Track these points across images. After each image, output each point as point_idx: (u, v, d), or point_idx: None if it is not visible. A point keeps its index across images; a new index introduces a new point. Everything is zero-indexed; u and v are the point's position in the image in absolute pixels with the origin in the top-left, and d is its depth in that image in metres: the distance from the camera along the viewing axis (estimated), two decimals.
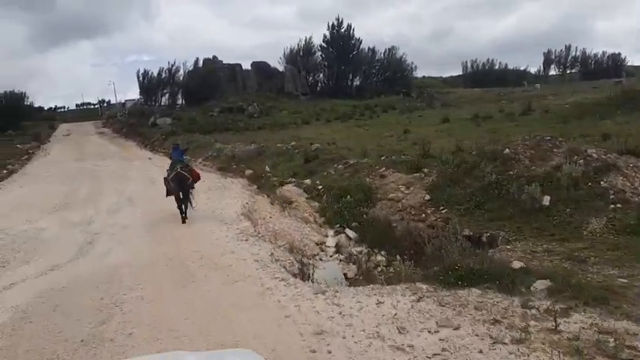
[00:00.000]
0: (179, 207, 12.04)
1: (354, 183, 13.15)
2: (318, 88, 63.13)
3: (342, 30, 62.48)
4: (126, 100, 80.00)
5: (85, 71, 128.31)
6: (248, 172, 19.01)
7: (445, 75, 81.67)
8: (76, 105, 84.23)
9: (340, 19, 62.62)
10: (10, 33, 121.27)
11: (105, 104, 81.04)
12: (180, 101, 60.22)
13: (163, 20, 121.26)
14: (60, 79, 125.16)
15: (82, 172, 24.97)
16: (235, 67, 62.09)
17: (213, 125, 43.66)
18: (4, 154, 39.37)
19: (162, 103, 58.96)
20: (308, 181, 14.56)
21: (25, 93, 54.29)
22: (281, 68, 63.22)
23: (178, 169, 12.02)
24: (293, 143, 21.20)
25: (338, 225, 11.68)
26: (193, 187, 12.77)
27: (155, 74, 58.77)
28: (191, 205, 12.54)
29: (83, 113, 76.70)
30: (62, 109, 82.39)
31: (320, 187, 14.14)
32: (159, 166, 25.69)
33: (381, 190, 12.06)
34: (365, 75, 63.76)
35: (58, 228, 12.66)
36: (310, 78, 63.42)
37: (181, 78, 59.46)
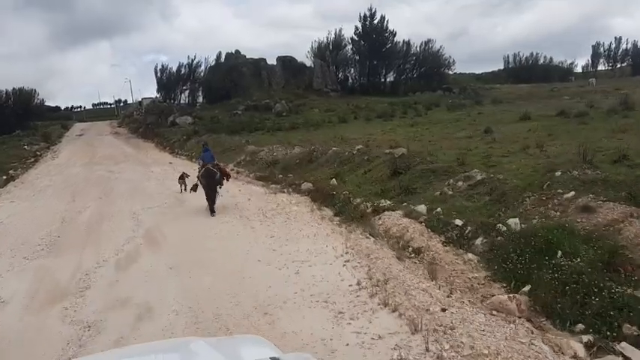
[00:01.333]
0: (209, 202, 12.52)
1: (540, 223, 7.36)
2: (349, 85, 58.20)
3: (375, 22, 57.58)
4: (142, 99, 76.13)
5: (104, 71, 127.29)
6: (305, 185, 14.22)
7: (477, 71, 76.07)
8: (93, 105, 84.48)
9: (373, 10, 57.78)
10: (31, 33, 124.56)
11: (121, 104, 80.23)
12: (200, 99, 55.83)
13: (182, 20, 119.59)
14: (79, 79, 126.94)
15: (90, 182, 20.52)
16: (260, 62, 57.59)
17: (239, 125, 39.07)
18: (9, 157, 35.47)
19: (181, 101, 54.62)
20: (422, 208, 9.46)
21: (35, 91, 50.42)
22: (309, 63, 58.53)
23: (208, 165, 12.64)
24: (359, 147, 16.27)
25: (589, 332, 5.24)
26: (222, 184, 13.23)
27: (174, 70, 54.46)
28: (219, 195, 12.99)
29: (100, 113, 75.65)
30: (79, 109, 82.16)
31: (457, 222, 8.57)
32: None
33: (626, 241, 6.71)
34: (399, 70, 58.72)
35: (20, 311, 7.03)
36: (340, 74, 58.59)
37: (202, 74, 55.05)
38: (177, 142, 36.14)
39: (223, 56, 56.81)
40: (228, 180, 13.52)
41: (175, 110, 49.04)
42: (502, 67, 70.31)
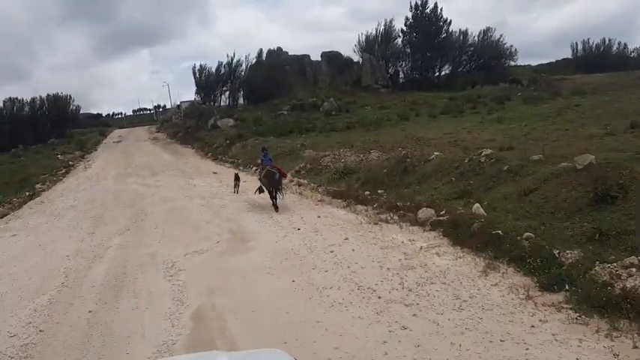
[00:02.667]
0: (272, 198, 13.22)
1: None
2: (400, 80, 53.31)
3: (428, 10, 52.47)
4: (181, 102, 73.34)
5: (144, 78, 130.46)
6: (424, 212, 9.50)
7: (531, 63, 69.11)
8: (133, 111, 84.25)
9: None
10: (76, 44, 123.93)
11: (160, 109, 78.84)
12: (240, 100, 52.07)
13: (219, 26, 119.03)
14: (121, 87, 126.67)
15: (120, 201, 16.71)
16: (303, 59, 53.44)
17: (286, 126, 34.91)
18: (41, 167, 32.45)
19: (221, 103, 51.05)
20: None
21: (70, 97, 47.78)
22: (356, 58, 53.92)
23: (268, 168, 13.61)
24: (488, 152, 11.38)
25: None
26: (282, 183, 13.90)
27: (213, 70, 50.84)
28: (281, 195, 13.68)
29: (139, 118, 75.70)
30: (119, 115, 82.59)
31: None
32: (232, 189, 16.99)
33: None
34: (455, 62, 53.35)
35: None
36: (390, 68, 53.74)
37: (242, 73, 51.25)
38: (219, 148, 32.22)
39: (264, 54, 52.84)
40: (285, 178, 14.34)
41: (216, 112, 45.36)
42: (563, 57, 63.51)
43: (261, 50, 52.05)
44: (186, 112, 45.93)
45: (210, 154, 32.33)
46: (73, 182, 24.33)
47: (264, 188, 13.88)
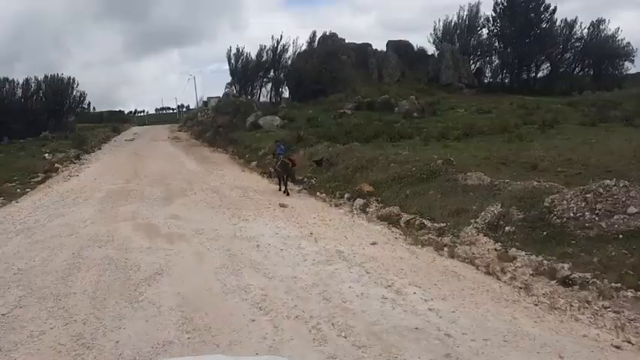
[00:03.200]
0: (284, 184, 14.73)
1: None
2: (487, 78, 42.36)
3: None
4: (209, 98, 63.61)
5: (172, 79, 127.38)
6: None
7: None
8: (156, 109, 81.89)
9: None
10: (109, 41, 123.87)
11: (184, 108, 75.48)
12: (285, 94, 41.67)
13: (250, 31, 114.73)
14: (148, 85, 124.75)
15: (86, 283, 6.32)
16: (366, 49, 42.86)
17: (362, 130, 24.26)
18: (13, 171, 22.66)
19: (260, 97, 40.55)
20: None
21: (73, 80, 37.69)
22: (430, 50, 43.14)
23: (282, 158, 15.02)
24: None
25: None
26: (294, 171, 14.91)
27: (253, 56, 40.49)
28: (293, 182, 14.99)
29: (161, 117, 72.12)
30: (141, 113, 78.52)
31: None
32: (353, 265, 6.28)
33: None
34: (557, 60, 42.05)
35: None
36: (473, 64, 42.78)
37: (289, 62, 40.79)
38: (269, 155, 21.55)
39: (317, 40, 42.22)
40: (295, 166, 15.06)
41: (256, 108, 34.83)
42: None
43: (314, 34, 41.49)
44: (218, 106, 35.61)
45: (255, 163, 21.74)
46: (27, 206, 13.88)
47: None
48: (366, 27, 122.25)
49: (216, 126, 34.81)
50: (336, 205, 12.25)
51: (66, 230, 10.35)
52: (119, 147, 35.44)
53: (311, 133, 24.74)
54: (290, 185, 14.93)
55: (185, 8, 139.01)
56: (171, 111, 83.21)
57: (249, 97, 38.78)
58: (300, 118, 33.22)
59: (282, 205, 12.16)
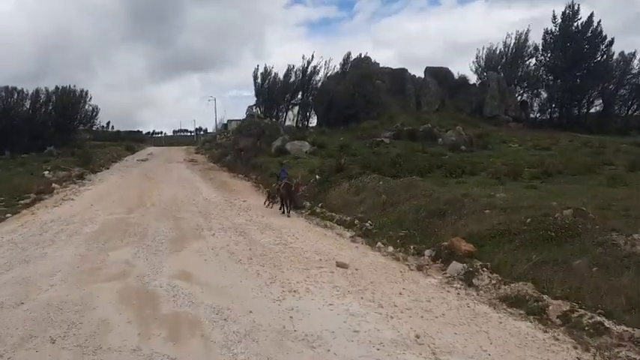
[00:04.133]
0: (285, 205, 15.25)
1: None
2: (534, 112, 38.65)
3: (578, 21, 37.83)
4: (229, 120, 60.78)
5: (193, 102, 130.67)
6: None
7: None
8: (173, 131, 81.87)
9: (575, 6, 38.17)
10: (133, 64, 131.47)
11: (201, 132, 74.28)
12: (312, 118, 38.33)
13: (273, 61, 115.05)
14: (169, 108, 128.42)
15: None
16: (402, 74, 39.50)
17: (405, 161, 20.46)
18: (3, 189, 19.46)
19: (286, 120, 37.22)
20: None
21: (86, 92, 34.71)
22: (473, 79, 39.70)
23: (285, 181, 15.29)
24: None
25: None
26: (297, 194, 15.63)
27: (281, 76, 37.32)
28: (296, 205, 15.55)
29: (179, 139, 72.03)
30: (159, 134, 79.23)
31: None
32: None
33: None
34: (611, 96, 38.15)
35: None
36: (518, 96, 39.07)
37: (319, 84, 37.46)
38: (304, 187, 17.99)
39: (350, 62, 38.90)
40: (298, 192, 15.84)
41: (282, 131, 31.42)
42: None
43: (348, 55, 38.24)
44: (241, 127, 32.20)
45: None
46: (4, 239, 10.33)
47: (277, 198, 16.13)
48: (387, 59, 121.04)
49: (238, 149, 31.42)
50: (418, 268, 8.43)
51: (16, 294, 6.66)
52: (130, 167, 32.14)
53: (351, 162, 21.06)
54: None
55: (208, 35, 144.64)
56: (189, 133, 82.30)
57: (274, 119, 35.43)
58: (330, 144, 29.75)
59: (341, 265, 8.37)
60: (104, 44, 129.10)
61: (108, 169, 30.29)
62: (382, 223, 11.68)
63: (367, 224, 11.96)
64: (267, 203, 16.77)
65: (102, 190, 20.40)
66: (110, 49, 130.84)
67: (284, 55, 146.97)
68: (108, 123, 66.84)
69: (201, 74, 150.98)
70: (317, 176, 18.46)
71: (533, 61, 39.84)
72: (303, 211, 15.53)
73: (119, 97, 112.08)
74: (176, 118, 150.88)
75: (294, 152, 27.45)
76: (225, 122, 61.69)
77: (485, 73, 38.48)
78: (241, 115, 59.44)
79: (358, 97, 35.95)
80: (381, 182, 15.53)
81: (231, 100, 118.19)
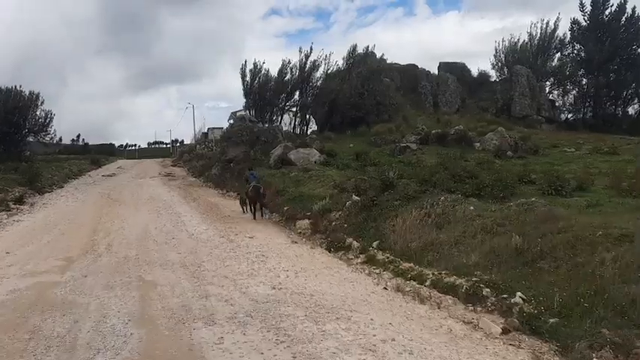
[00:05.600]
0: (253, 210, 14.92)
1: None
2: (564, 112, 33.65)
3: (610, 8, 32.99)
4: (210, 129, 54.73)
5: (169, 114, 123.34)
6: None
7: None
8: (148, 143, 77.99)
9: None
10: (106, 76, 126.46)
11: (177, 144, 69.83)
12: (310, 122, 32.52)
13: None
14: (144, 120, 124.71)
15: None
16: (414, 70, 34.11)
17: (472, 175, 14.56)
18: None
19: (281, 124, 31.21)
20: None
21: (37, 95, 28.17)
22: (493, 75, 34.58)
23: (254, 184, 14.94)
24: None
25: None
26: (265, 198, 14.91)
27: (274, 74, 31.48)
28: (264, 212, 14.91)
29: (154, 152, 68.03)
30: (133, 147, 75.26)
31: None
32: None
33: None
34: None
35: None
36: (548, 93, 33.96)
37: (318, 82, 31.70)
38: (332, 214, 12.24)
39: (354, 57, 33.15)
40: (265, 195, 14.98)
41: (282, 137, 25.52)
42: None
43: (354, 49, 32.46)
44: (230, 134, 26.09)
45: (308, 226, 12.17)
46: None
47: (247, 202, 15.33)
48: None
49: (226, 160, 25.32)
50: None
51: None
52: (90, 185, 25.82)
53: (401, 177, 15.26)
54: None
55: (185, 45, 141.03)
56: (164, 145, 77.70)
57: (267, 124, 29.40)
58: (341, 152, 24.05)
59: None
60: (79, 54, 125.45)
61: (61, 187, 23.92)
62: (557, 300, 5.83)
63: (518, 300, 6.11)
64: (244, 210, 15.82)
65: (39, 221, 14.13)
66: (85, 59, 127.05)
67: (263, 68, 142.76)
68: (78, 136, 62.37)
69: (178, 85, 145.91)
70: (355, 197, 12.56)
71: (558, 55, 34.77)
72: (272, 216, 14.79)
73: (93, 109, 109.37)
74: (152, 130, 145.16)
75: (300, 163, 21.58)
76: (206, 131, 55.69)
77: (506, 69, 33.16)
78: (222, 124, 53.70)
79: (368, 97, 30.26)
80: (472, 208, 9.74)
81: (208, 111, 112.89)
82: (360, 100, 30.36)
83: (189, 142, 61.48)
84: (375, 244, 10.04)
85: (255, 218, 14.51)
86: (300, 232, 12.35)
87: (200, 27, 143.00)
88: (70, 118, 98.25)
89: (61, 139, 61.70)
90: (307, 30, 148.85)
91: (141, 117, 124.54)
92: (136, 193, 22.02)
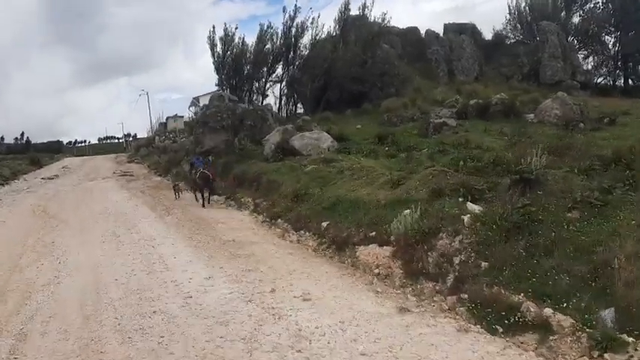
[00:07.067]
0: (202, 196, 14.27)
1: None
2: (595, 77, 28.94)
3: None
4: (168, 118, 48.31)
5: (120, 108, 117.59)
6: None
7: None
8: (99, 139, 73.94)
9: None
10: (55, 69, 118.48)
11: (130, 138, 65.14)
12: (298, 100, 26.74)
13: (205, 61, 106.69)
14: (94, 115, 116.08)
15: None
16: (417, 34, 28.90)
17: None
18: None
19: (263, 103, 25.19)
20: None
21: None
22: (511, 37, 29.61)
23: (201, 170, 14.45)
24: None
25: None
26: (213, 184, 14.58)
27: (251, 41, 25.40)
28: (210, 196, 14.45)
29: (106, 147, 65.00)
30: (82, 143, 71.40)
31: None
32: None
33: None
34: None
35: None
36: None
37: (305, 51, 25.83)
38: (432, 242, 6.39)
39: (343, 20, 27.31)
40: (215, 180, 14.67)
41: (272, 119, 19.68)
42: None
43: (345, 7, 26.59)
44: (204, 118, 19.86)
45: (418, 278, 6.40)
46: None
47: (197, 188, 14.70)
48: None
49: (201, 152, 19.18)
50: None
51: None
52: (21, 194, 19.42)
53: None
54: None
55: (133, 36, 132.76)
56: (116, 140, 72.91)
57: (248, 105, 23.31)
58: (352, 135, 18.55)
59: None
60: (21, 48, 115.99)
61: None
62: None
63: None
64: (177, 196, 15.75)
65: None
66: (28, 53, 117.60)
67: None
68: (22, 134, 59.01)
69: (127, 78, 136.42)
70: (471, 205, 6.98)
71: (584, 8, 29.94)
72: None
73: (38, 106, 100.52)
74: (102, 125, 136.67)
75: (308, 151, 15.99)
76: (164, 121, 49.02)
77: (534, 27, 27.98)
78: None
79: (371, 67, 24.65)
80: None
81: (160, 103, 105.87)
82: (360, 71, 24.72)
83: (144, 136, 55.63)
84: (609, 316, 4.52)
85: (204, 206, 13.97)
86: (379, 274, 6.72)
87: (148, 16, 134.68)
88: (15, 116, 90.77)
89: (2, 139, 56.60)
90: (258, 16, 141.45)
91: (91, 112, 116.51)
92: (83, 203, 15.88)
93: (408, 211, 7.63)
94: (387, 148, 16.09)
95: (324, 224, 8.95)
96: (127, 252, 8.66)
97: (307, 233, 9.28)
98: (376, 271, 6.75)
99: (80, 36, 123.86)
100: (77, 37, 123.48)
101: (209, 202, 14.27)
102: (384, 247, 7.18)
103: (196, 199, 14.70)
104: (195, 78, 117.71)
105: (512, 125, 16.95)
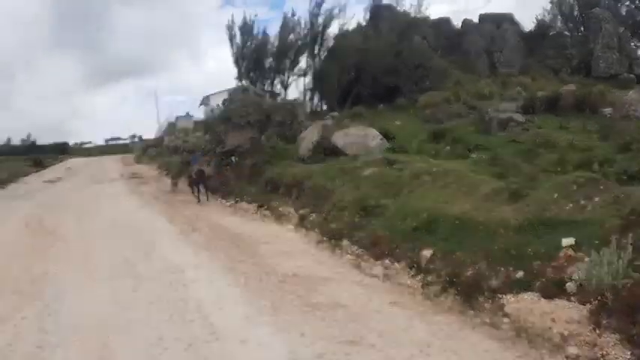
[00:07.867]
0: (197, 192, 14.39)
1: None
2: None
3: None
4: (179, 117, 46.07)
5: (127, 110, 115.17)
6: None
7: None
8: (105, 140, 72.69)
9: None
10: (62, 73, 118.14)
11: (136, 138, 64.42)
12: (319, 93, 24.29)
13: (209, 65, 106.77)
14: (102, 117, 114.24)
15: None
16: (449, 25, 26.47)
17: None
18: None
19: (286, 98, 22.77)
20: None
21: None
22: (555, 27, 27.12)
23: (197, 167, 14.64)
24: None
25: None
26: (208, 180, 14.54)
27: (274, 32, 23.01)
28: (206, 194, 14.45)
29: (112, 148, 63.65)
30: (89, 144, 71.05)
31: None
32: None
33: None
34: None
35: None
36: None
37: (331, 42, 23.36)
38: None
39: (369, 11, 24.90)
40: (209, 179, 14.70)
41: (302, 116, 17.17)
42: None
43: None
44: (228, 113, 17.34)
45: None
46: None
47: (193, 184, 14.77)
48: None
49: (224, 152, 16.71)
50: None
51: None
52: (16, 200, 16.97)
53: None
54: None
55: (140, 39, 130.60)
56: (122, 141, 70.36)
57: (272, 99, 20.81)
58: (398, 133, 16.08)
59: None
60: (30, 52, 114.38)
61: None
62: None
63: None
64: (173, 189, 16.30)
65: None
66: (37, 57, 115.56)
67: (220, 58, 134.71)
68: (29, 136, 58.85)
69: (134, 81, 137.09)
70: None
71: None
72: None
73: (47, 108, 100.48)
74: (109, 127, 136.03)
75: (354, 151, 13.37)
76: (173, 120, 46.71)
77: (590, 12, 25.34)
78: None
79: (406, 58, 22.16)
80: None
81: (166, 105, 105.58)
82: (394, 63, 22.24)
83: (150, 137, 53.57)
84: None
85: (199, 201, 14.05)
86: (578, 358, 4.10)
87: (154, 20, 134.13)
88: (24, 119, 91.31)
89: (9, 140, 55.60)
90: (261, 20, 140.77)
91: (97, 114, 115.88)
92: (88, 212, 13.38)
93: (569, 239, 5.09)
94: (448, 147, 13.63)
95: (426, 253, 6.38)
96: (148, 297, 6.10)
97: (396, 264, 6.72)
98: (571, 350, 4.12)
99: (88, 39, 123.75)
100: (85, 40, 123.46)
101: (207, 199, 14.28)
102: (555, 300, 4.60)
103: (193, 194, 14.65)
104: (200, 80, 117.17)
105: (591, 121, 14.46)
